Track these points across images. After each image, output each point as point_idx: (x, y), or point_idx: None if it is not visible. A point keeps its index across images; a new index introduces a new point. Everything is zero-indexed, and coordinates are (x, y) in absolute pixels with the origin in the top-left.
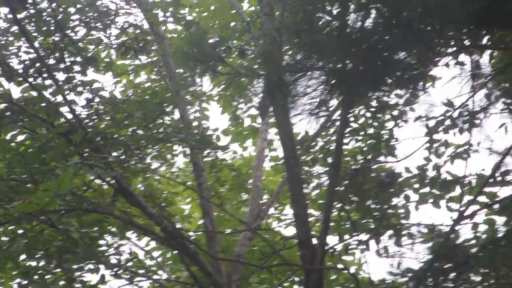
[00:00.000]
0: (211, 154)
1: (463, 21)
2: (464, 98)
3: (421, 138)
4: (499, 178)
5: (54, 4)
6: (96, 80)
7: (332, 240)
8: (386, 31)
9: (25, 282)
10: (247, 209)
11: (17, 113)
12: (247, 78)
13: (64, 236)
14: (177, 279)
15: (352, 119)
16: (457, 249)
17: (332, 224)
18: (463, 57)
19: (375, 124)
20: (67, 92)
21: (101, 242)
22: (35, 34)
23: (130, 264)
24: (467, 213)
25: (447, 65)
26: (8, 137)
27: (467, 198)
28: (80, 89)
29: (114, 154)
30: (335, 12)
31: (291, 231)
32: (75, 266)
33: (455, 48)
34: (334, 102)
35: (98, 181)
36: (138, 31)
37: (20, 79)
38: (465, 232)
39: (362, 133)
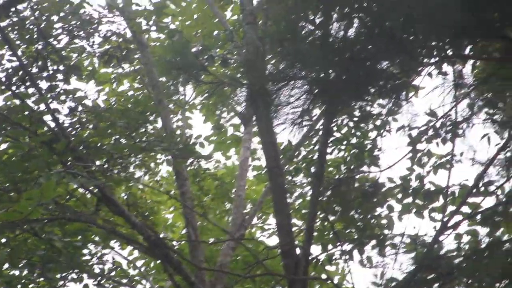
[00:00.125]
0: (194, 163)
1: (446, 31)
2: (447, 108)
3: (404, 148)
4: (482, 189)
5: (37, 13)
6: (79, 88)
7: (315, 250)
8: (369, 41)
9: None
10: (230, 218)
11: None
12: (230, 87)
13: (47, 245)
14: None
15: (335, 128)
16: (441, 259)
17: (315, 234)
18: (445, 67)
19: (358, 133)
20: (50, 100)
21: (84, 251)
22: (18, 42)
23: (113, 273)
24: (450, 223)
25: (430, 75)
26: None
27: (450, 208)
28: (63, 97)
29: (97, 163)
30: (318, 21)
31: (274, 240)
32: (58, 276)
33: (437, 58)
34: (317, 112)
35: (81, 190)
36: (121, 39)
37: (3, 87)
38: (449, 242)
39: (345, 142)
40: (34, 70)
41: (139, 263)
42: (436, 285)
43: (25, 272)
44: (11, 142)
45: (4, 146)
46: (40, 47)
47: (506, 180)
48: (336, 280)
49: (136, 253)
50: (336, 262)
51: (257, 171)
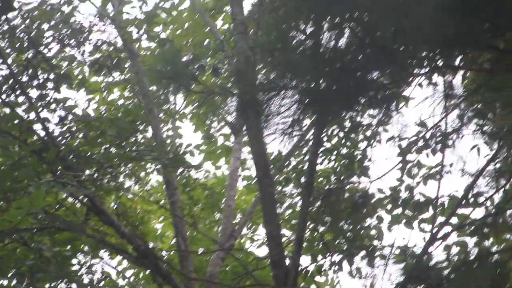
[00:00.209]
0: (184, 173)
1: (436, 41)
2: (437, 119)
3: (394, 158)
4: (472, 200)
5: (27, 21)
6: (69, 97)
7: (305, 260)
8: (360, 51)
9: None
10: (220, 228)
11: None
12: (221, 97)
13: (37, 254)
14: None
15: (325, 139)
16: (430, 270)
17: (305, 244)
18: (436, 78)
19: (348, 144)
20: (40, 109)
21: (74, 261)
22: (9, 50)
23: (102, 283)
24: (439, 234)
25: (420, 85)
26: None
27: (439, 219)
28: (53, 106)
29: (87, 172)
30: (308, 31)
31: (264, 251)
32: (47, 285)
33: (428, 69)
34: (307, 122)
35: (70, 199)
36: (111, 48)
37: None
38: (438, 253)
39: (335, 153)
40: (24, 78)
41: (128, 273)
42: None
43: (14, 281)
44: (0, 151)
45: None
46: (30, 55)
47: (495, 191)
48: None
49: (125, 263)
50: (326, 272)
51: (247, 181)
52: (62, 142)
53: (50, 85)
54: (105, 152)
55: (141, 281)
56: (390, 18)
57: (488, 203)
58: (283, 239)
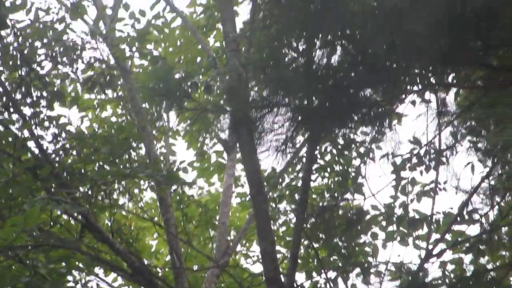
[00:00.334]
0: (178, 190)
1: (429, 59)
2: (430, 136)
3: (388, 175)
4: (467, 217)
5: (20, 39)
6: (62, 115)
7: (300, 277)
8: (352, 68)
9: None
10: (214, 245)
11: None
12: (213, 114)
13: (32, 271)
14: None
15: (318, 156)
16: (426, 287)
17: (299, 261)
18: (429, 95)
19: (342, 161)
20: (34, 127)
21: (69, 278)
22: (1, 68)
23: None
24: (435, 251)
25: (413, 102)
26: None
27: (434, 236)
28: (46, 124)
29: (81, 189)
30: (301, 48)
31: (258, 268)
32: None
33: (421, 86)
34: (300, 139)
35: (65, 217)
36: (104, 66)
37: None
38: (433, 270)
39: (329, 170)
40: (18, 96)
41: None
42: None
43: None
44: None
45: None
46: (23, 73)
47: (490, 208)
48: None
49: (120, 280)
50: None
51: (241, 198)
52: (56, 159)
53: (43, 102)
54: (99, 169)
55: None
56: (382, 35)
57: (483, 220)
58: (278, 256)
